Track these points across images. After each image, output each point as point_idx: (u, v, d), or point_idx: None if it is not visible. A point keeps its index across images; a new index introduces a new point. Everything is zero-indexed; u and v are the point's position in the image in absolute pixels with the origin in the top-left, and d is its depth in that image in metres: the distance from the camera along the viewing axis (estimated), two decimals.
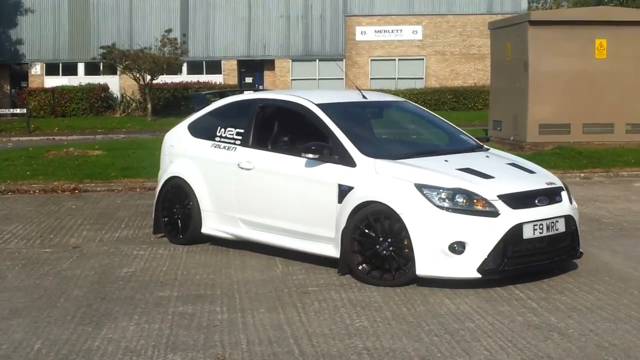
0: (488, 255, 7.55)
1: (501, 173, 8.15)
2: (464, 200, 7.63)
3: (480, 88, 41.82)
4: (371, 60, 44.41)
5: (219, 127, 9.61)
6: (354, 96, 9.44)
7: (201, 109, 10.16)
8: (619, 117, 19.31)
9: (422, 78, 44.39)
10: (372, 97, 9.69)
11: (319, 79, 43.93)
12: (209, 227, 9.60)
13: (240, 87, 42.14)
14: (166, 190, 10.03)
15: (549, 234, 7.87)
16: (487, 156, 8.81)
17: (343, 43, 44.06)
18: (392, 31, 44.26)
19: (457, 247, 7.53)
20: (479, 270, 7.55)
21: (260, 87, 44.72)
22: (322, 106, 8.85)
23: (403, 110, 9.81)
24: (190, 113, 10.77)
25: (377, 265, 7.87)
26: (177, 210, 9.87)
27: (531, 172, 8.45)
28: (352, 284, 7.95)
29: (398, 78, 43.96)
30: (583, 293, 7.60)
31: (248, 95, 10.09)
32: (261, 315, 6.98)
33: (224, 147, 9.43)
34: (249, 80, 45.28)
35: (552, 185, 8.22)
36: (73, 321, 6.89)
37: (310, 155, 8.37)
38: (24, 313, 7.15)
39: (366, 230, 7.89)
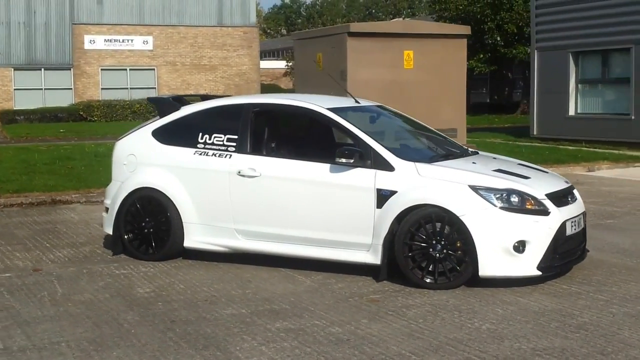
0: (544, 253, 7.80)
1: (530, 174, 8.43)
2: (518, 200, 7.82)
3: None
4: (101, 69, 42.96)
5: (200, 134, 9.00)
6: (348, 101, 9.30)
7: (166, 114, 9.44)
8: (426, 123, 20.32)
9: (155, 88, 43.71)
10: (361, 102, 9.55)
11: (44, 88, 41.80)
12: (193, 240, 8.97)
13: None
14: (130, 204, 9.21)
15: (578, 230, 8.29)
16: (494, 158, 9.08)
17: (70, 52, 42.23)
18: (123, 41, 43.16)
19: (520, 246, 7.70)
20: (538, 267, 7.78)
21: None
22: (334, 111, 8.64)
23: (388, 114, 9.80)
24: None
25: (430, 269, 7.83)
26: (147, 224, 9.10)
27: (545, 172, 8.84)
28: (406, 289, 7.84)
29: (130, 88, 42.97)
30: (622, 283, 8.06)
31: (229, 99, 9.52)
32: (373, 326, 6.69)
33: (214, 155, 8.85)
34: None
35: (569, 184, 8.65)
36: (182, 347, 6.20)
37: (344, 160, 8.12)
38: (110, 344, 6.30)
39: (419, 234, 7.83)
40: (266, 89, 55.86)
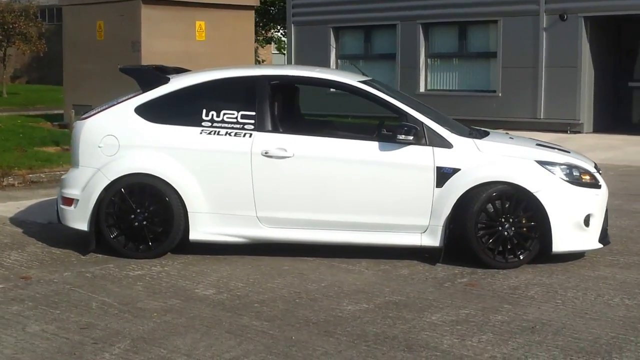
0: (602, 226, 7.85)
1: (564, 149, 8.41)
2: (578, 175, 7.77)
3: None
4: None
5: (204, 110, 7.89)
6: (360, 75, 8.64)
7: (151, 88, 8.13)
8: None
9: None
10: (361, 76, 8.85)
11: None
12: (202, 231, 7.85)
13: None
14: (114, 193, 7.86)
15: None
16: (506, 132, 8.94)
17: None
18: None
19: (588, 220, 7.66)
20: (599, 240, 7.80)
21: None
22: (369, 84, 8.02)
23: (391, 89, 9.21)
24: None
25: (500, 248, 7.55)
26: (139, 216, 7.80)
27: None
28: (476, 270, 7.47)
29: None
30: None
31: (233, 70, 8.35)
32: (527, 311, 6.31)
33: (228, 134, 7.80)
34: None
35: None
36: (383, 350, 5.44)
37: (403, 137, 7.55)
38: (300, 355, 5.36)
39: (491, 213, 7.51)
40: None
